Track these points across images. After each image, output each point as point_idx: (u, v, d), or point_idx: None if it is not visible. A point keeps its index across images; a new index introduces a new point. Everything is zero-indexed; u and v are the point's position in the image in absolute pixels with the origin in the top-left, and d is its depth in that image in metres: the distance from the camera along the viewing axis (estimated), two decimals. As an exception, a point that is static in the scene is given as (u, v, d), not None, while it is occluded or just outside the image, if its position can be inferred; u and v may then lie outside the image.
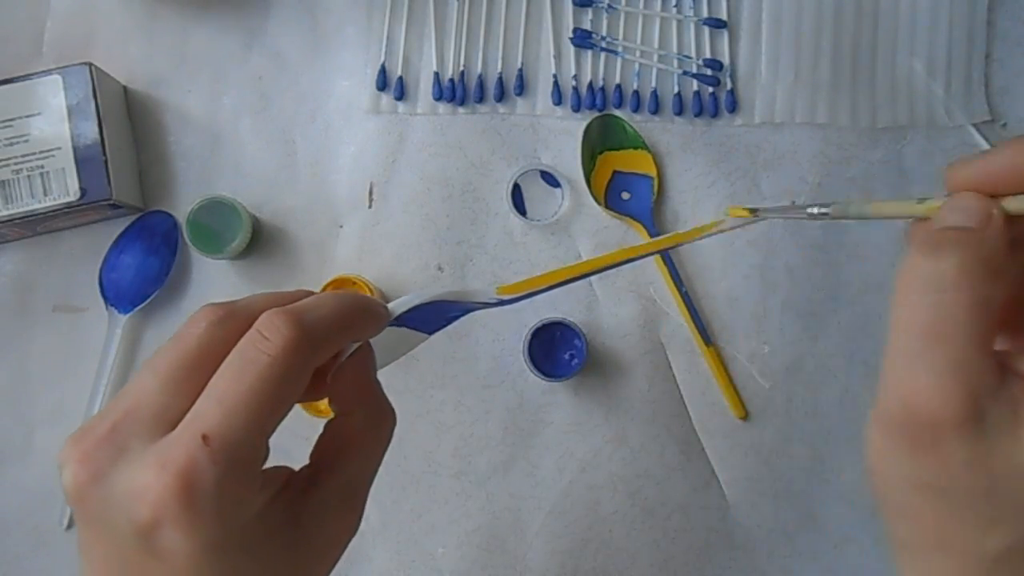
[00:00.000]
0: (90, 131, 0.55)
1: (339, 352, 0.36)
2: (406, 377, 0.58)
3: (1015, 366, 0.28)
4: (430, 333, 0.42)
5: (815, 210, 0.35)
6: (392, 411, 0.38)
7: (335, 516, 0.35)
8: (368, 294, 0.56)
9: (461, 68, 0.60)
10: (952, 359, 0.26)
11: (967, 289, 0.27)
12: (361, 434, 0.36)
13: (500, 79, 0.59)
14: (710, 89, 0.59)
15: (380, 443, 0.37)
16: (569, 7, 0.60)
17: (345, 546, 0.36)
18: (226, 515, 0.30)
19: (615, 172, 0.59)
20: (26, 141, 0.55)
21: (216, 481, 0.29)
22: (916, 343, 0.27)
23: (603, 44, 0.59)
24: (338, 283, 0.56)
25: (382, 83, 0.59)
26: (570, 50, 0.60)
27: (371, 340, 0.38)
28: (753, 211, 0.38)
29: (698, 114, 0.59)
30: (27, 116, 0.55)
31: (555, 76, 0.59)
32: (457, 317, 0.43)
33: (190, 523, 0.29)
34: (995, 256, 0.27)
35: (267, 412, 0.31)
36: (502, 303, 0.42)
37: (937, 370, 0.26)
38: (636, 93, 0.59)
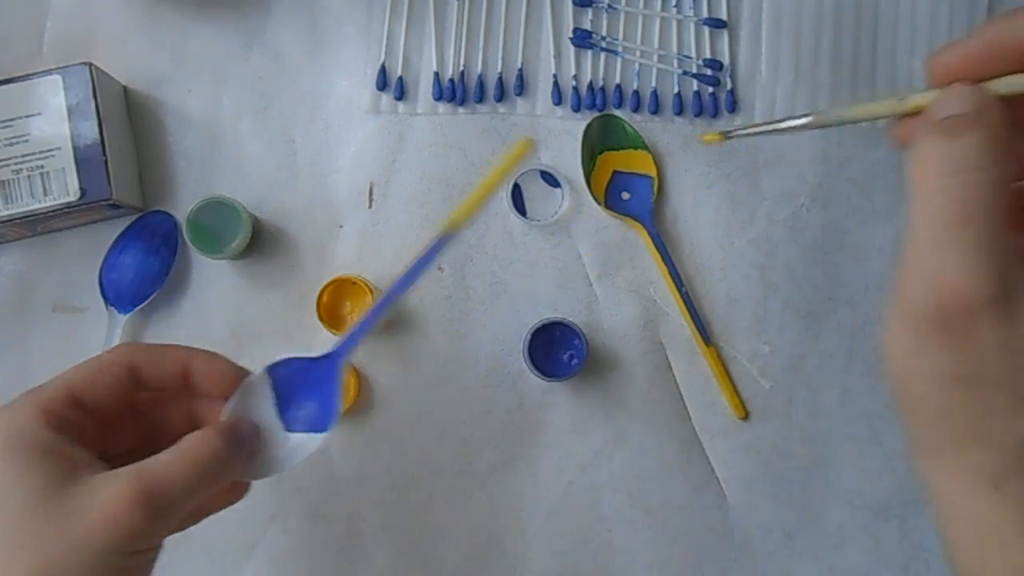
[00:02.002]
0: (90, 131, 0.55)
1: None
2: (406, 377, 0.58)
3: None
4: (324, 429, 0.43)
5: (794, 122, 0.34)
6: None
7: None
8: (368, 294, 0.56)
9: (461, 68, 0.60)
10: (981, 240, 0.26)
11: (989, 168, 0.27)
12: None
13: (500, 79, 0.59)
14: (710, 89, 0.59)
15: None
16: (569, 7, 0.60)
17: None
18: None
19: (615, 172, 0.59)
20: (26, 141, 0.55)
21: None
22: (942, 229, 0.27)
23: (603, 44, 0.59)
24: (338, 283, 0.56)
25: (382, 83, 0.59)
26: (570, 50, 0.60)
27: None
28: (726, 134, 0.38)
29: (698, 114, 0.59)
30: (27, 116, 0.55)
31: (555, 76, 0.59)
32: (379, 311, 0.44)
33: None
34: (1004, 136, 0.27)
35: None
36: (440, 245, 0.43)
37: (967, 253, 0.26)
38: (636, 93, 0.59)
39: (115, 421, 0.42)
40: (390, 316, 0.58)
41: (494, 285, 0.59)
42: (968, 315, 0.27)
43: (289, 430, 0.42)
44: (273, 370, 0.43)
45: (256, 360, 0.58)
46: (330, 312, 0.56)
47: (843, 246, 0.59)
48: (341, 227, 0.59)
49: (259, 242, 0.59)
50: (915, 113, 0.31)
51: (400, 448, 0.58)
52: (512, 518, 0.57)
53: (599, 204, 0.58)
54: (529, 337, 0.56)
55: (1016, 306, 0.27)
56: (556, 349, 0.57)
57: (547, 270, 0.59)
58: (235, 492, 0.44)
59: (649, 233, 0.58)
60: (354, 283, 0.56)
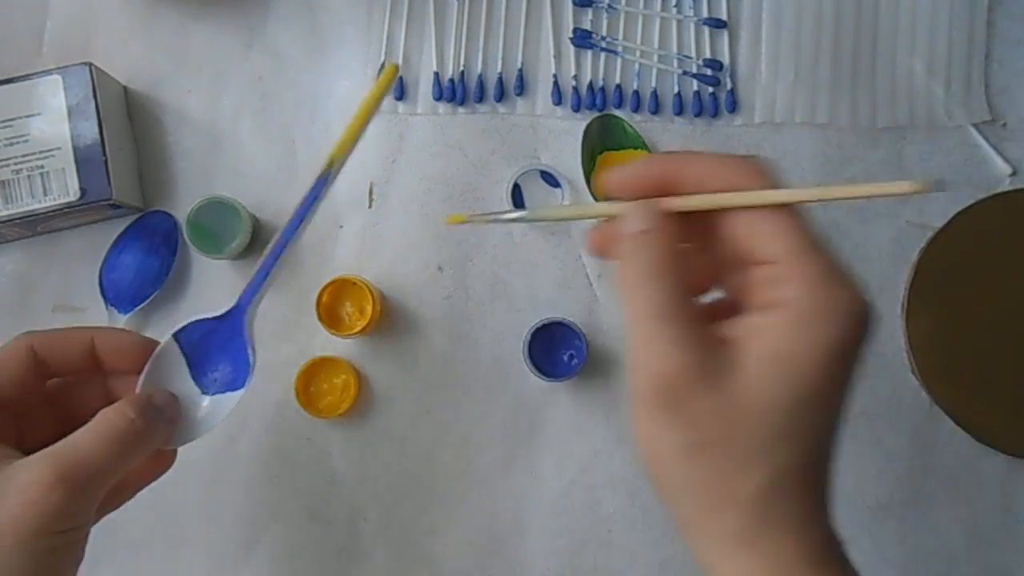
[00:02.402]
0: (90, 131, 0.55)
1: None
2: (407, 377, 0.58)
3: (717, 332, 0.33)
4: (243, 385, 0.43)
5: (511, 215, 0.41)
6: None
7: None
8: (368, 296, 0.56)
9: (461, 68, 0.60)
10: (676, 330, 0.32)
11: (669, 274, 0.33)
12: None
13: (500, 79, 0.59)
14: (710, 89, 0.59)
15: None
16: (569, 7, 0.60)
17: None
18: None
19: (615, 172, 0.59)
20: (26, 141, 0.55)
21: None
22: (644, 323, 0.33)
23: (603, 44, 0.59)
24: (338, 283, 0.56)
25: (382, 83, 0.59)
26: (570, 50, 0.59)
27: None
28: (470, 216, 0.43)
29: (698, 114, 0.59)
30: (27, 116, 0.55)
31: (555, 76, 0.59)
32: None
33: None
34: (674, 246, 0.34)
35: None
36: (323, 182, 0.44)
37: (667, 341, 0.32)
38: (636, 93, 0.59)
39: (28, 412, 0.42)
40: (390, 316, 0.58)
41: (494, 285, 0.58)
42: (678, 391, 0.31)
43: (205, 393, 0.43)
44: (180, 336, 0.43)
45: (256, 360, 0.58)
46: (330, 312, 0.56)
47: (843, 246, 0.59)
48: (341, 227, 0.59)
49: (259, 242, 0.59)
50: (609, 218, 0.37)
51: (400, 448, 0.58)
52: (512, 518, 0.57)
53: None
54: (529, 337, 0.56)
55: (715, 378, 0.31)
56: (556, 349, 0.57)
57: (547, 270, 0.59)
58: (161, 462, 0.44)
59: (649, 233, 0.58)
60: (354, 283, 0.56)
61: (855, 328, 0.32)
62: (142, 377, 0.43)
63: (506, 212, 0.42)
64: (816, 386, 0.32)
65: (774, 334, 0.32)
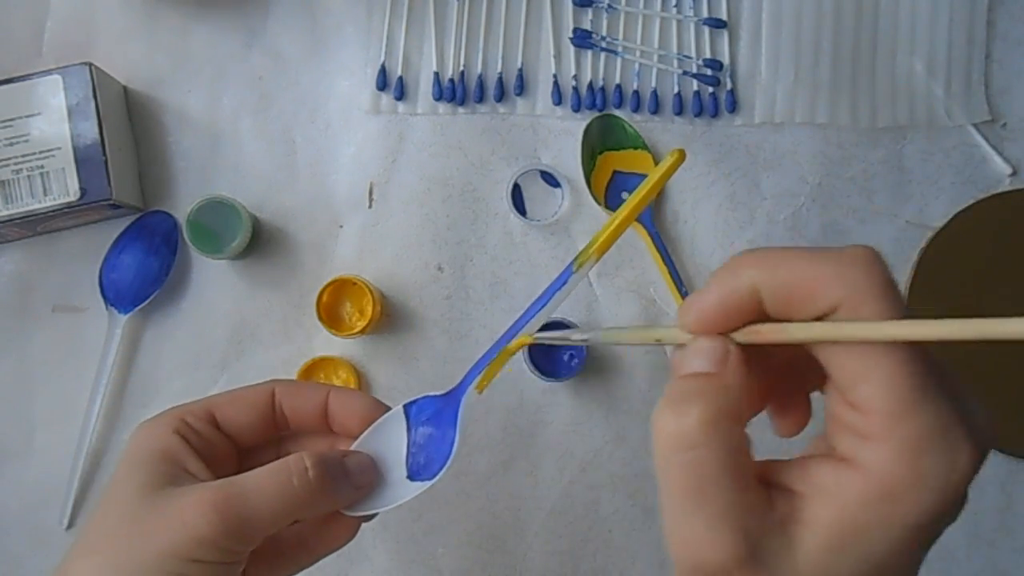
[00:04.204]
0: (90, 131, 0.55)
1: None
2: (407, 377, 0.58)
3: (776, 478, 0.29)
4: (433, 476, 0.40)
5: (581, 336, 0.37)
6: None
7: None
8: (368, 296, 0.56)
9: (461, 68, 0.60)
10: (718, 507, 0.27)
11: (714, 443, 0.27)
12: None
13: (500, 79, 0.59)
14: (710, 89, 0.59)
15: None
16: (569, 7, 0.60)
17: None
18: None
19: (615, 172, 0.59)
20: (26, 141, 0.55)
21: None
22: (682, 499, 0.28)
23: (603, 44, 0.59)
24: (338, 283, 0.56)
25: (382, 83, 0.59)
26: (570, 50, 0.59)
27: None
28: (534, 336, 0.39)
29: (698, 114, 0.59)
30: (27, 116, 0.55)
31: (555, 76, 0.59)
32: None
33: None
34: (735, 401, 0.28)
35: None
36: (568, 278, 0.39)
37: (708, 521, 0.27)
38: (636, 93, 0.59)
39: (254, 451, 0.41)
40: (390, 316, 0.58)
41: (494, 285, 0.58)
42: (723, 574, 0.27)
43: (410, 476, 0.40)
44: (410, 409, 0.41)
45: (257, 360, 0.59)
46: (330, 312, 0.56)
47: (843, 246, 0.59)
48: (341, 227, 0.59)
49: (259, 242, 0.59)
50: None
51: (400, 448, 0.58)
52: (512, 518, 0.57)
53: (599, 204, 0.58)
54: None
55: (768, 555, 0.27)
56: (556, 349, 0.57)
57: (547, 270, 0.59)
58: (342, 530, 0.41)
59: (649, 233, 0.58)
60: (354, 283, 0.56)
61: (945, 505, 0.27)
62: (360, 438, 0.41)
63: (574, 332, 0.38)
64: (887, 565, 0.27)
65: (848, 501, 0.27)
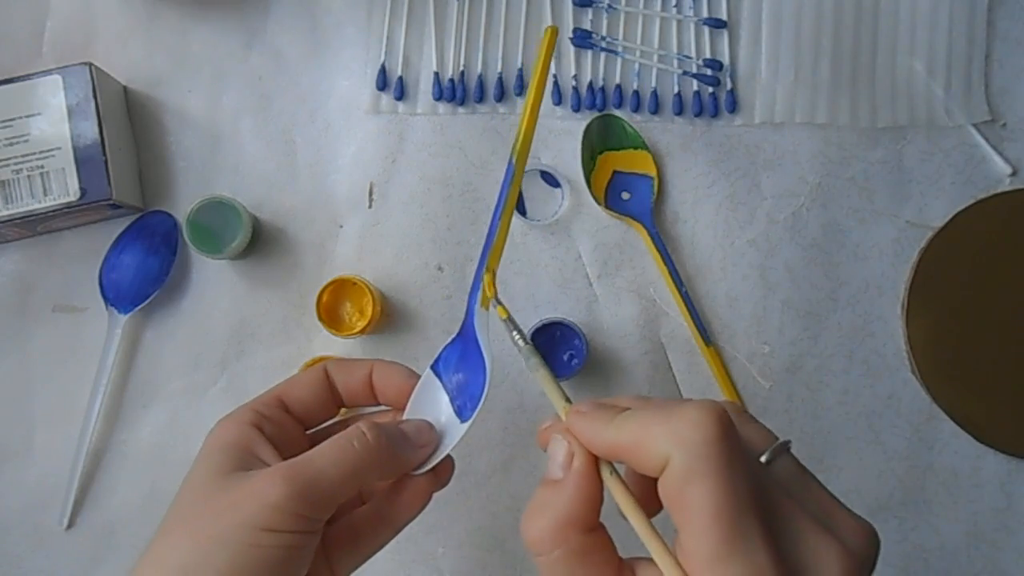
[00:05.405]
0: (90, 131, 0.55)
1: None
2: (406, 377, 0.58)
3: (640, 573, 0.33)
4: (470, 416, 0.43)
5: (526, 350, 0.40)
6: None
7: None
8: (368, 296, 0.56)
9: (461, 68, 0.60)
10: None
11: (560, 549, 0.32)
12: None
13: (500, 79, 0.59)
14: (710, 89, 0.59)
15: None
16: (569, 7, 0.60)
17: None
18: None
19: (615, 172, 0.59)
20: (26, 141, 0.55)
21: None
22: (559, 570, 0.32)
23: (603, 44, 0.59)
24: (338, 283, 0.56)
25: (382, 83, 0.59)
26: (570, 50, 0.59)
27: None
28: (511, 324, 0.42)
29: (698, 114, 0.59)
30: (27, 116, 0.55)
31: (555, 76, 0.59)
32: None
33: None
34: (577, 511, 0.32)
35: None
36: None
37: None
38: (636, 93, 0.59)
39: (322, 437, 0.42)
40: (390, 316, 0.58)
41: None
42: None
43: (463, 420, 0.42)
44: (437, 366, 0.44)
45: (257, 360, 0.58)
46: (330, 312, 0.56)
47: (843, 246, 0.59)
48: (341, 227, 0.59)
49: (259, 242, 0.59)
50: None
51: (400, 448, 0.58)
52: (512, 518, 0.57)
53: (599, 204, 0.58)
54: (529, 337, 0.56)
55: None
56: (556, 349, 0.57)
57: (547, 270, 0.59)
58: (415, 498, 0.44)
59: (649, 233, 0.58)
60: (354, 283, 0.56)
61: None
62: (407, 410, 0.43)
63: (520, 340, 0.41)
64: None
65: None
